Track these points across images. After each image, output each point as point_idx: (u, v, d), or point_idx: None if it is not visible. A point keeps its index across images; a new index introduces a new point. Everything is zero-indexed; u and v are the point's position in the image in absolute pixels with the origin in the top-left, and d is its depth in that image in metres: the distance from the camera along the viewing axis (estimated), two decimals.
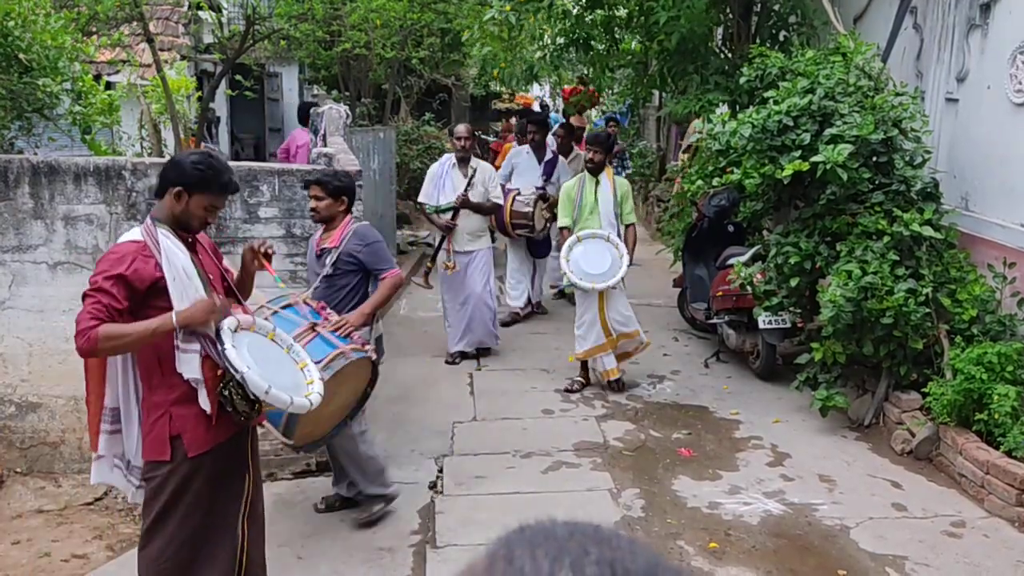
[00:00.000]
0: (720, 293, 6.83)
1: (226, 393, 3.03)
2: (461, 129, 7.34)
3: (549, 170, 8.31)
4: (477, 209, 7.14)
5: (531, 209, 7.77)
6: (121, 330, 2.85)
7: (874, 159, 5.74)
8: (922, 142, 5.83)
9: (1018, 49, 5.40)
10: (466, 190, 7.00)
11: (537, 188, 8.05)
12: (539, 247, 8.32)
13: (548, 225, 7.99)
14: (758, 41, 7.62)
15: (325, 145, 6.72)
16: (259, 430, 3.67)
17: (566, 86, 15.14)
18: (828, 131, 5.60)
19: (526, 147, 8.44)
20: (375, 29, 10.58)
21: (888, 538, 4.41)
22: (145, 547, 3.15)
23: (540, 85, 19.84)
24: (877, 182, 5.75)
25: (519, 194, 7.92)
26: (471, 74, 17.90)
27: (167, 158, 3.44)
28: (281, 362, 3.28)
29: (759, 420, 5.98)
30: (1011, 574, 4.09)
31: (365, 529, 4.46)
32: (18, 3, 6.47)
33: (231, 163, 5.14)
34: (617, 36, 8.77)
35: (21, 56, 6.26)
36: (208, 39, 14.07)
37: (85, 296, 2.90)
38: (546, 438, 5.59)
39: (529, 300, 8.37)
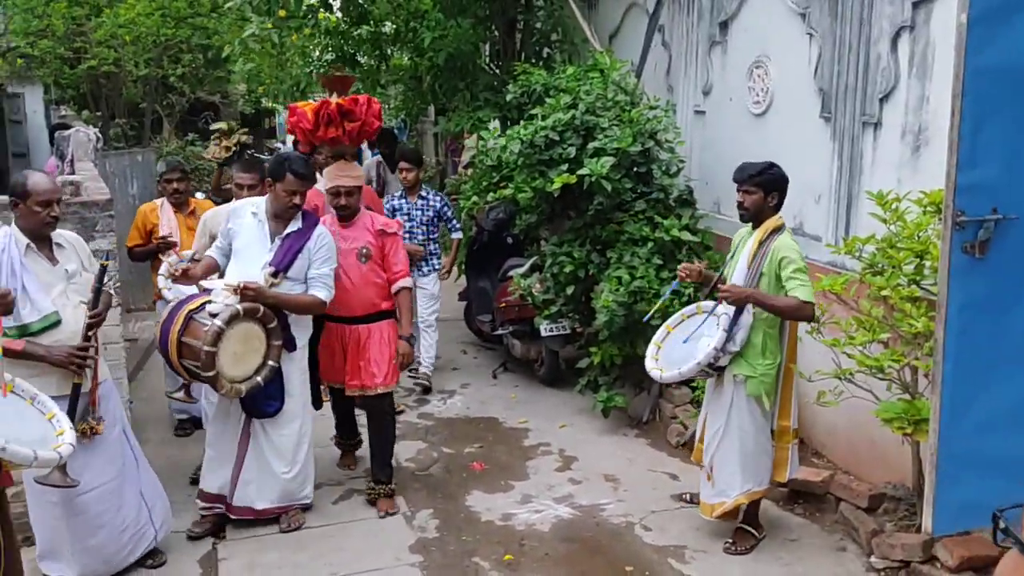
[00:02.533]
0: (503, 304, 6.96)
1: None
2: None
3: (289, 250, 4.41)
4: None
5: (208, 347, 4.01)
6: None
7: (635, 169, 6.05)
8: (676, 152, 6.23)
9: (754, 64, 5.88)
10: (100, 286, 3.88)
11: (237, 290, 4.18)
12: (254, 402, 4.42)
13: (265, 371, 4.28)
14: (523, 58, 7.85)
15: (73, 171, 6.20)
16: (8, 491, 3.31)
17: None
18: (591, 144, 5.85)
19: (255, 203, 4.57)
20: (124, 46, 9.89)
21: (669, 530, 4.64)
22: None
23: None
24: (639, 191, 6.08)
25: (208, 302, 4.22)
26: (240, 90, 17.24)
27: None
28: (23, 415, 3.01)
29: (547, 426, 6.13)
30: (780, 551, 4.42)
31: None
32: None
33: None
34: (386, 52, 8.72)
35: None
36: None
37: None
38: (336, 467, 5.43)
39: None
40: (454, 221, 7.16)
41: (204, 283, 4.34)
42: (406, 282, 4.82)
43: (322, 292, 4.46)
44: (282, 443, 4.54)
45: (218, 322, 4.03)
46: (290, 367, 4.48)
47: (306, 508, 4.75)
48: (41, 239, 3.85)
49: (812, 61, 5.31)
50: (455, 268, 7.59)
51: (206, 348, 4.00)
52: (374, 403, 4.85)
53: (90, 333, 3.80)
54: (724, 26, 6.26)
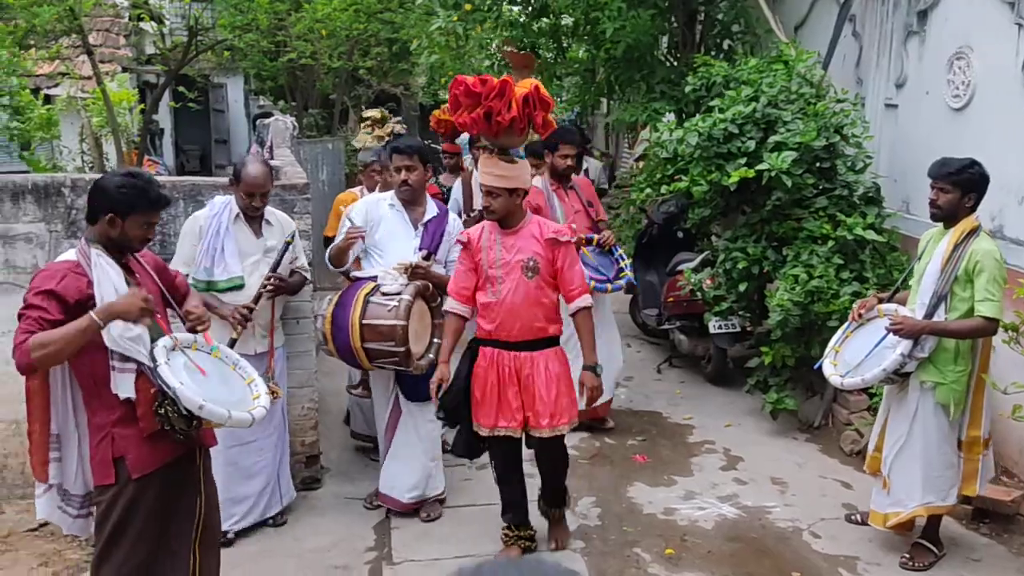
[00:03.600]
0: (671, 299, 6.90)
1: (162, 411, 3.00)
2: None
3: (434, 235, 4.60)
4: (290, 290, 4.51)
5: (400, 321, 4.21)
6: (50, 336, 2.81)
7: (817, 164, 5.84)
8: (863, 147, 5.96)
9: (955, 55, 5.54)
10: (280, 259, 4.29)
11: (408, 269, 4.40)
12: (416, 384, 4.48)
13: (434, 348, 4.45)
14: (703, 50, 7.73)
15: (272, 157, 6.65)
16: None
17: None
18: (772, 138, 5.70)
19: (388, 196, 4.70)
20: (321, 39, 10.49)
21: (840, 539, 4.48)
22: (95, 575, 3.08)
23: None
24: (821, 187, 5.87)
25: (378, 286, 4.38)
26: (419, 83, 17.88)
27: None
28: (225, 378, 3.26)
29: (712, 424, 6.04)
30: (961, 570, 4.18)
31: (319, 549, 4.40)
32: None
33: (176, 178, 5.06)
34: (564, 44, 8.81)
35: None
36: (150, 50, 13.84)
37: (20, 316, 2.88)
38: None
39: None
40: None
41: (357, 272, 4.55)
42: (585, 300, 4.04)
43: None
44: (430, 430, 4.64)
45: (407, 296, 4.23)
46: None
47: (441, 501, 4.79)
48: (249, 216, 4.31)
49: (1020, 52, 4.95)
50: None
51: (400, 323, 4.18)
52: (543, 445, 4.15)
53: (260, 298, 4.17)
54: (923, 15, 5.93)
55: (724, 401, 6.49)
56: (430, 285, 4.41)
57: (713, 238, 7.25)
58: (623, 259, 5.71)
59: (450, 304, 4.13)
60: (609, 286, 5.53)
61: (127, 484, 3.02)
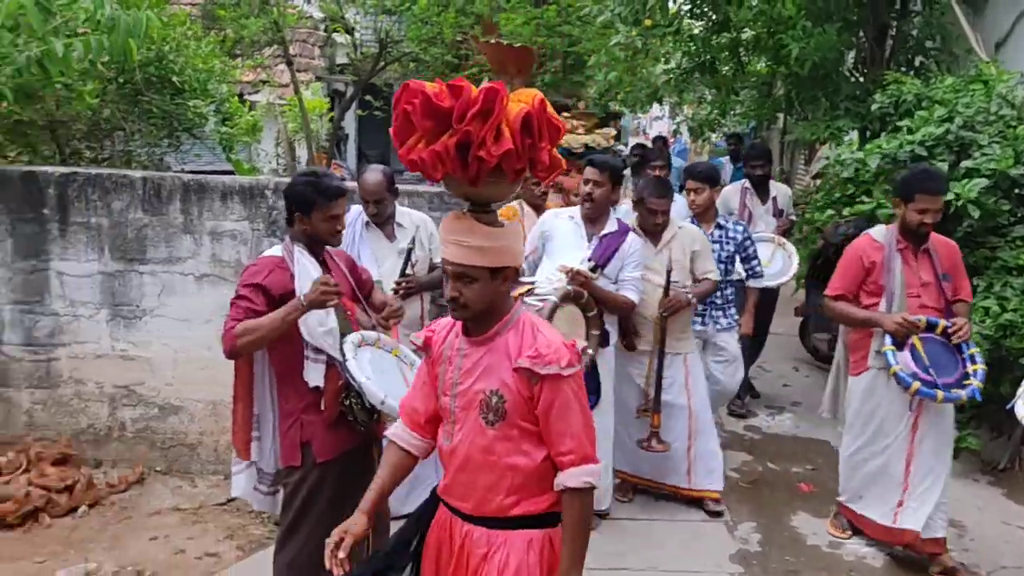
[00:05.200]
0: None
1: (347, 403, 3.21)
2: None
3: (607, 249, 4.48)
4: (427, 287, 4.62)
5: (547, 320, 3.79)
6: (255, 323, 3.08)
7: (1016, 191, 5.48)
8: None
9: None
10: (406, 264, 4.34)
11: (570, 272, 4.20)
12: None
13: (585, 358, 4.05)
14: (892, 66, 7.40)
15: None
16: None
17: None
18: (964, 163, 5.38)
19: (573, 211, 4.67)
20: None
21: None
22: (279, 552, 3.33)
23: (660, 106, 19.68)
24: (1020, 215, 5.49)
25: (532, 289, 4.18)
26: (590, 94, 17.98)
27: None
28: (403, 377, 3.44)
29: None
30: None
31: None
32: (172, 29, 6.97)
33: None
34: (743, 59, 8.66)
35: (174, 78, 6.74)
36: (341, 60, 14.65)
37: (231, 304, 3.17)
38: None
39: None
40: (755, 262, 5.67)
41: (522, 279, 4.46)
42: (582, 476, 2.43)
43: (632, 294, 4.45)
44: (600, 440, 4.53)
45: (554, 298, 4.16)
46: (599, 362, 4.40)
47: (603, 515, 4.72)
48: (379, 221, 4.45)
49: None
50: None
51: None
52: None
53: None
54: None
55: None
56: (585, 294, 4.19)
57: None
58: (975, 360, 4.10)
59: (394, 429, 2.74)
60: (940, 393, 4.00)
61: (312, 468, 3.25)
